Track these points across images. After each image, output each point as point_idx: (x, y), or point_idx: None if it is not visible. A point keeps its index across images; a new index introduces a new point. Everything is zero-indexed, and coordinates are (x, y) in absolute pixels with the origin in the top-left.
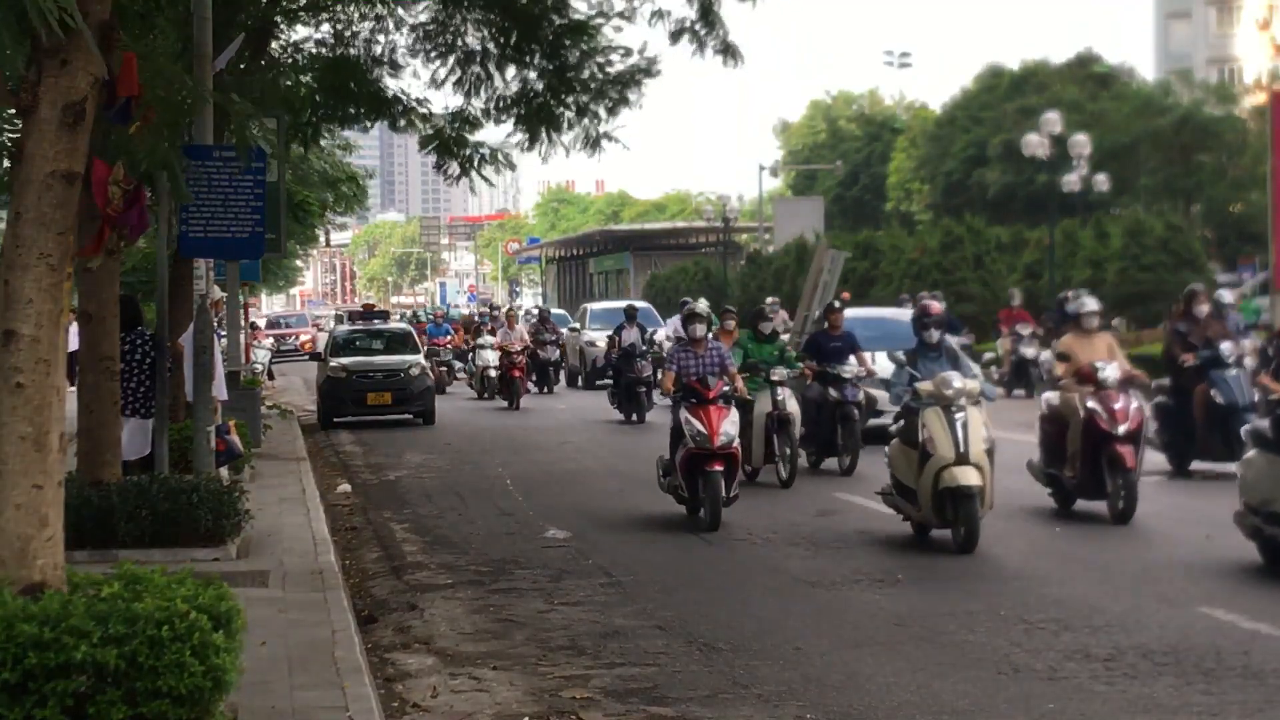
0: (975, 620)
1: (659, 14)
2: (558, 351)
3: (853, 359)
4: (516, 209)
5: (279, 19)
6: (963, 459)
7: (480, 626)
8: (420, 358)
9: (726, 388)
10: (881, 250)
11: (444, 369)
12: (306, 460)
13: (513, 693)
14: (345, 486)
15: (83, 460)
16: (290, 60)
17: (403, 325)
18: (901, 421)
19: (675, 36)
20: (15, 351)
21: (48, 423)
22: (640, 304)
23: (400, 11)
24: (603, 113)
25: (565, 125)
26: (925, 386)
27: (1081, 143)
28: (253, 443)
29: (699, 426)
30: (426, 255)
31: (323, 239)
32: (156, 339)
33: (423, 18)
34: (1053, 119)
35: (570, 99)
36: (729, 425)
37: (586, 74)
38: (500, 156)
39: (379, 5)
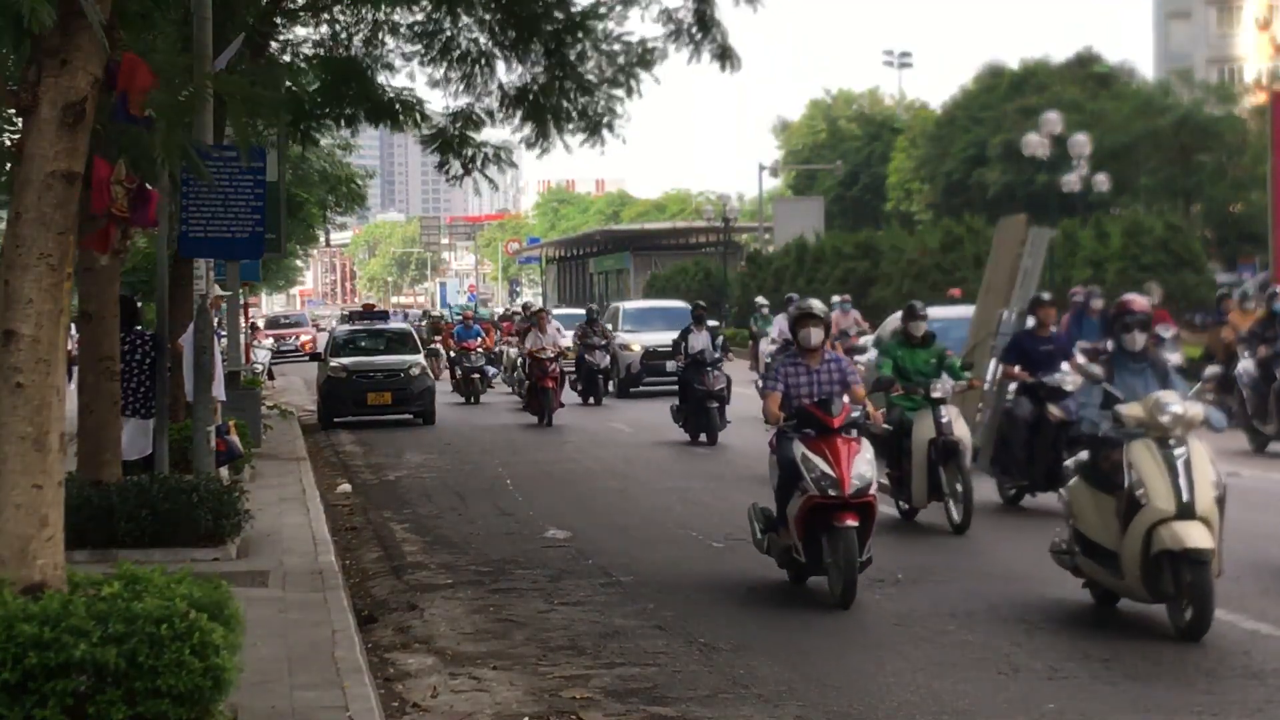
0: (975, 620)
1: (664, 14)
2: (607, 358)
3: (1065, 367)
4: (516, 209)
5: (279, 20)
6: (1187, 511)
7: (480, 626)
8: (420, 358)
9: (856, 413)
10: (881, 250)
11: (476, 376)
12: (306, 460)
13: (513, 692)
14: (345, 486)
15: (83, 460)
16: (289, 60)
17: (403, 325)
18: (1086, 455)
19: (673, 37)
20: (15, 351)
21: (48, 423)
22: (678, 303)
23: (395, 16)
24: (604, 100)
25: (568, 117)
26: (1132, 411)
27: (1081, 143)
28: (253, 442)
29: (823, 467)
30: (426, 255)
31: (323, 239)
32: (156, 339)
33: (419, 17)
34: (1053, 119)
35: (572, 89)
36: (864, 465)
37: (590, 63)
38: (502, 155)
39: (375, 9)
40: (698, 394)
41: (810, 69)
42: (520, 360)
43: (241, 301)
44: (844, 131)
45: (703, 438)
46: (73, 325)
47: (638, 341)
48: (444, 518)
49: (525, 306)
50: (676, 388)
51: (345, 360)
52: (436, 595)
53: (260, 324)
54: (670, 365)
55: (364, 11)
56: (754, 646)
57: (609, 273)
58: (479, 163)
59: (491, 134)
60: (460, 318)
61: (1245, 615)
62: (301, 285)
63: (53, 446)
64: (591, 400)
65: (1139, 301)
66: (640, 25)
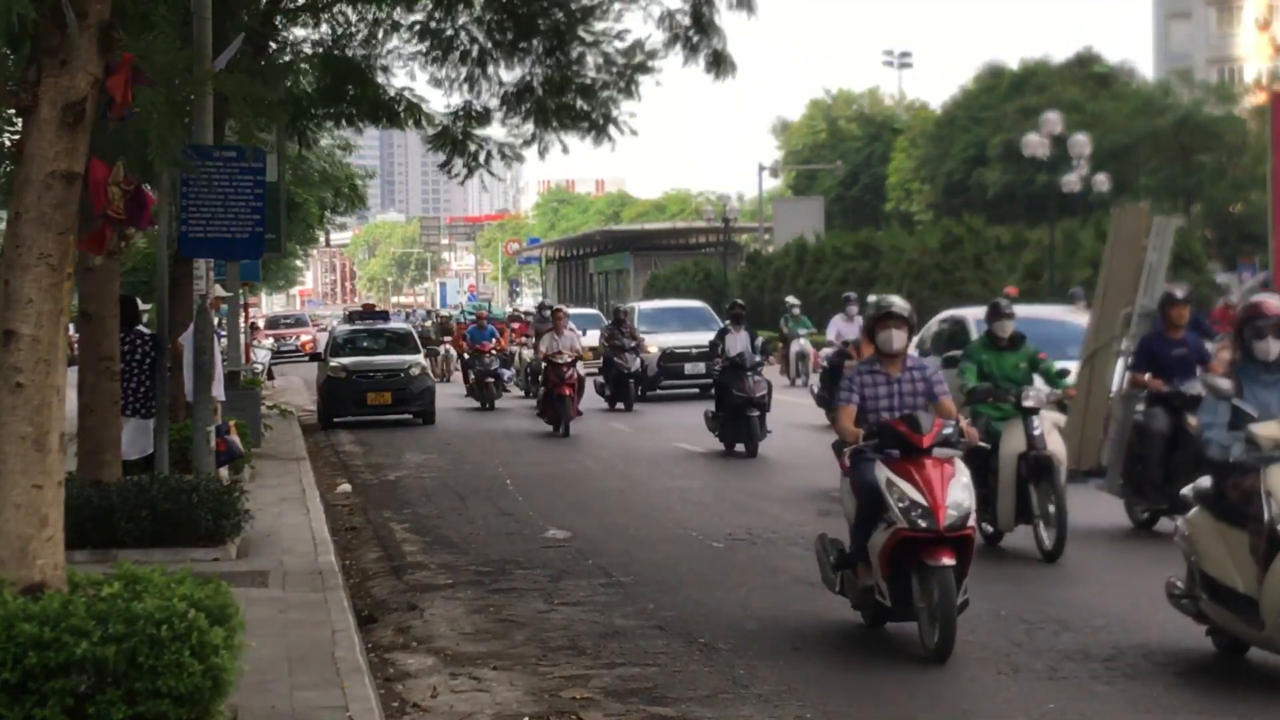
0: (975, 620)
1: (664, 16)
2: (638, 360)
3: (1200, 372)
4: (516, 209)
5: (278, 20)
6: None
7: (480, 626)
8: (420, 357)
9: (948, 429)
10: (881, 250)
11: (490, 380)
12: (306, 460)
13: (513, 693)
14: (345, 486)
15: (83, 460)
16: (289, 60)
17: (403, 325)
18: (1209, 482)
19: (670, 42)
20: (15, 351)
21: (48, 422)
22: (695, 303)
23: (395, 15)
24: (603, 105)
25: (569, 115)
26: (1268, 431)
27: (1081, 143)
28: (253, 442)
29: (913, 495)
30: (426, 255)
31: (323, 239)
32: (157, 339)
33: (419, 17)
34: (1053, 119)
35: (573, 91)
36: (960, 491)
37: (589, 64)
38: (507, 151)
39: (375, 8)
40: (736, 400)
41: (810, 69)
42: (535, 364)
43: (242, 301)
44: (844, 131)
45: (739, 448)
46: (72, 325)
47: (654, 343)
48: (444, 518)
49: (542, 307)
50: (696, 391)
51: (345, 360)
52: (436, 595)
53: (260, 324)
54: (689, 368)
55: (366, 11)
56: (754, 646)
57: (609, 273)
58: (483, 159)
59: (494, 131)
60: (473, 318)
61: None
62: (301, 285)
63: (53, 446)
64: (621, 405)
65: (1272, 304)
66: (640, 26)
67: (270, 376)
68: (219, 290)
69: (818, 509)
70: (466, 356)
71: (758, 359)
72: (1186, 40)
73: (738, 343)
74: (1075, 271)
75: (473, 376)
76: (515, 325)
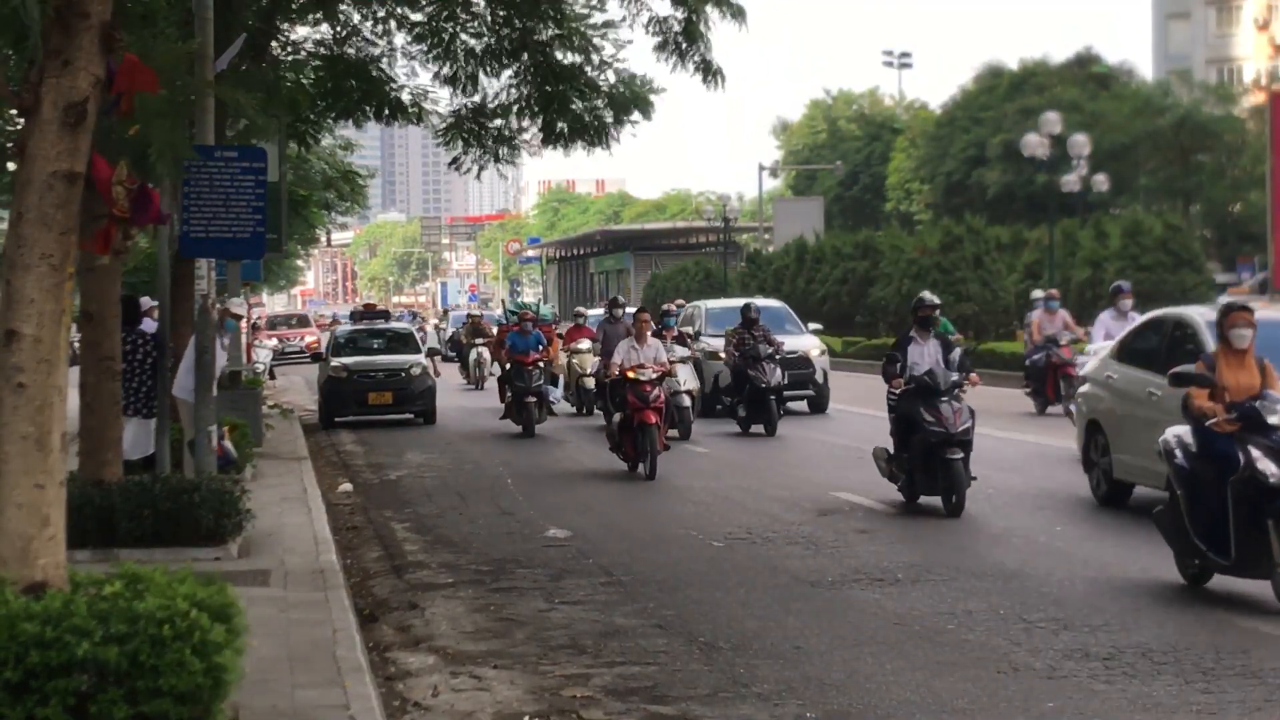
0: (975, 620)
1: (654, 22)
2: (779, 372)
3: None
4: (517, 209)
5: (279, 20)
6: None
7: (481, 625)
8: (421, 357)
9: None
10: (881, 250)
11: (533, 400)
12: (308, 460)
13: (513, 691)
14: (346, 486)
15: (84, 460)
16: (290, 60)
17: (404, 325)
18: None
19: (661, 48)
20: (17, 351)
21: (49, 422)
22: (773, 302)
23: (399, 11)
24: (609, 117)
25: (569, 122)
26: None
27: (1081, 143)
28: (254, 442)
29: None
30: (427, 255)
31: (324, 239)
32: (158, 339)
33: (419, 17)
34: (1052, 119)
35: (575, 101)
36: None
37: (586, 74)
38: (520, 141)
39: (380, 4)
40: (931, 438)
41: (810, 69)
42: (599, 378)
43: (244, 301)
44: (844, 132)
45: (927, 499)
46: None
47: (724, 347)
48: (445, 517)
49: (614, 304)
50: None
51: (346, 360)
52: (437, 594)
53: (261, 324)
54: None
55: (369, 10)
56: (754, 646)
57: (609, 273)
58: (498, 154)
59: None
60: (515, 319)
61: (1245, 615)
62: (303, 285)
63: (54, 446)
64: (763, 428)
65: None
66: (626, 31)
67: (272, 376)
68: (233, 306)
69: (817, 509)
70: (507, 368)
71: (954, 377)
72: (1185, 40)
73: (925, 355)
74: (1075, 271)
75: (510, 394)
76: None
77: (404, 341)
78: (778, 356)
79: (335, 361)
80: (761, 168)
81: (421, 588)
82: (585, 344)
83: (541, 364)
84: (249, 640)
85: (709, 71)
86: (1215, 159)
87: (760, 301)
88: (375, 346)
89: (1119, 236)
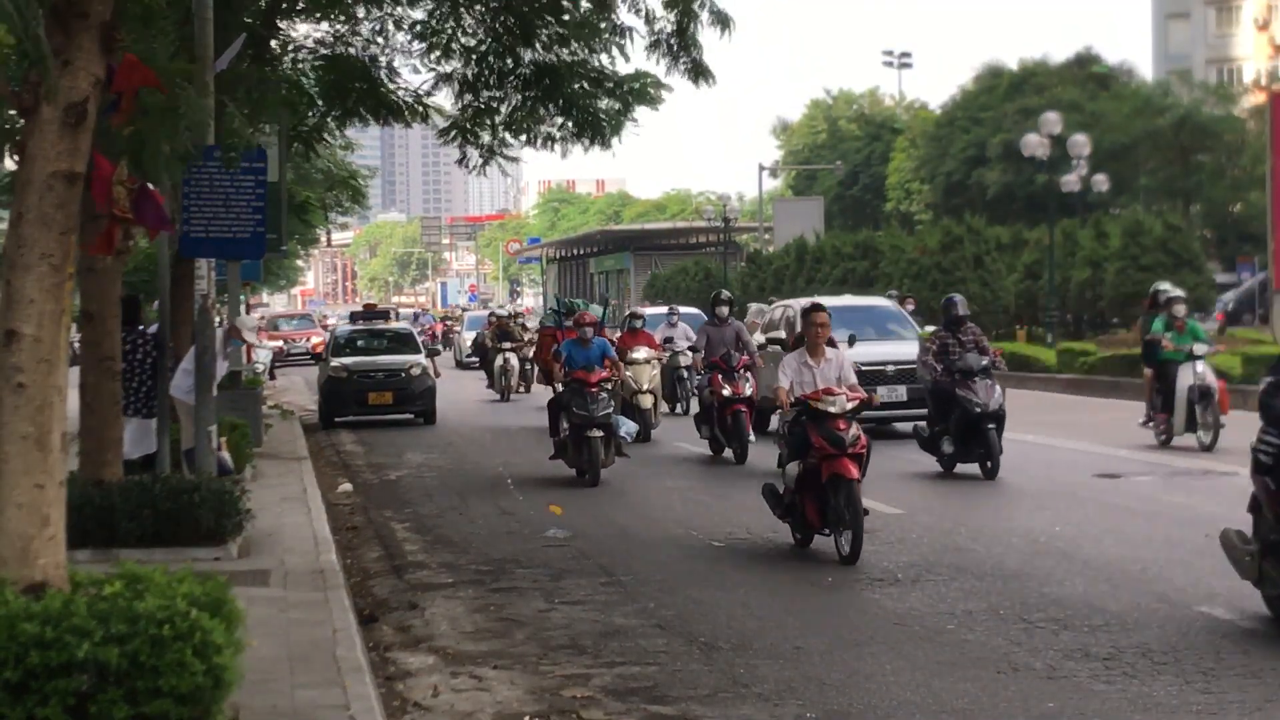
0: (975, 620)
1: (650, 19)
2: (999, 391)
3: None
4: (517, 209)
5: (279, 20)
6: None
7: (481, 625)
8: (421, 357)
9: None
10: (881, 250)
11: (598, 436)
12: (308, 460)
13: (513, 692)
14: (346, 486)
15: (84, 460)
16: (291, 60)
17: (404, 325)
18: None
19: (652, 48)
20: (17, 351)
21: (49, 422)
22: (879, 301)
23: (399, 10)
24: (615, 106)
25: (569, 120)
26: None
27: (1081, 143)
28: (254, 442)
29: None
30: (427, 255)
31: (324, 239)
32: (158, 339)
33: (420, 15)
34: (1052, 119)
35: (579, 97)
36: None
37: (580, 83)
38: (524, 132)
39: (380, 5)
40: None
41: (810, 69)
42: (706, 399)
43: (244, 301)
44: (844, 132)
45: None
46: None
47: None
48: (445, 517)
49: (718, 298)
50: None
51: (346, 360)
52: (437, 594)
53: (263, 325)
54: (885, 392)
55: (372, 9)
56: (754, 646)
57: (609, 273)
58: (499, 151)
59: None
60: (566, 320)
61: (1245, 615)
62: (303, 285)
63: (54, 446)
64: (979, 468)
65: None
66: (635, 25)
67: (272, 376)
68: (244, 330)
69: None
70: (562, 388)
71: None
72: (1185, 40)
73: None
74: (1075, 271)
75: (565, 424)
76: (544, 333)
77: (404, 341)
78: (996, 368)
79: (335, 361)
80: (761, 168)
81: (421, 588)
82: (643, 352)
83: (610, 385)
84: (249, 640)
85: (700, 73)
86: (1215, 159)
87: (862, 300)
88: (375, 346)
89: (1119, 236)
